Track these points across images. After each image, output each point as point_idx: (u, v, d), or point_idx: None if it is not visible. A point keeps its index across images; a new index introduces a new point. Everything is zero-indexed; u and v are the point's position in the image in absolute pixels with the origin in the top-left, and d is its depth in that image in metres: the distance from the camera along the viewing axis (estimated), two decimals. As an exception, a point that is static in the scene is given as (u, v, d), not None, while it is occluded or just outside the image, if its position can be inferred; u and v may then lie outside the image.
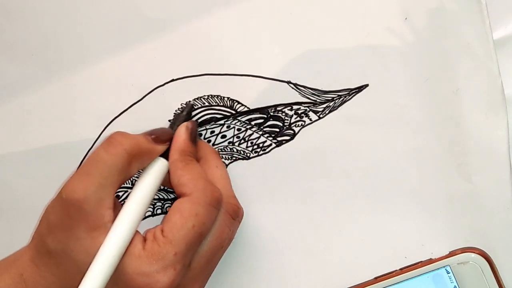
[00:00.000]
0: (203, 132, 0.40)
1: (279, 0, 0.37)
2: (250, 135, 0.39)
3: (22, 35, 0.41)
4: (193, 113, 0.39)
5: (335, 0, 0.37)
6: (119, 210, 0.32)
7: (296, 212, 0.39)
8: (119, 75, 0.40)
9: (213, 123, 0.39)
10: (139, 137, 0.34)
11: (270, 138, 0.39)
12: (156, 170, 0.34)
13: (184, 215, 0.32)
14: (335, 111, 0.38)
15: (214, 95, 0.39)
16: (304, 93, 0.38)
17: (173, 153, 0.35)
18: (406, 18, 0.36)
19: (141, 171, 0.34)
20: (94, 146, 0.41)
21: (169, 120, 0.39)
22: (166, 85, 0.39)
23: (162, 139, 0.35)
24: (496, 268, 0.36)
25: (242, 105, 0.39)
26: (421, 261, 0.37)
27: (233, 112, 0.39)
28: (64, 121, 0.41)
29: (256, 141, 0.39)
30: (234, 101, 0.39)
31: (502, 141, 0.36)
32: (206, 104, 0.39)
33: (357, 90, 0.37)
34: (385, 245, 0.38)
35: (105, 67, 0.40)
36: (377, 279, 0.38)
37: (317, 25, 0.37)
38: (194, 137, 0.37)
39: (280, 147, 0.39)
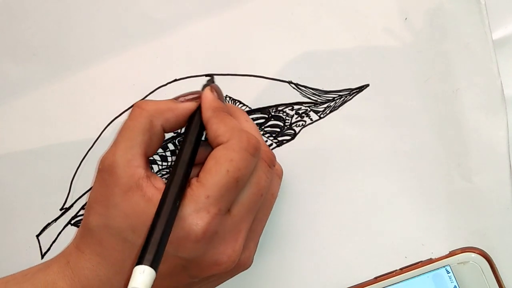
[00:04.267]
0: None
1: (280, 0, 0.38)
2: (251, 135, 0.39)
3: (24, 35, 0.41)
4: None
5: (335, 1, 0.37)
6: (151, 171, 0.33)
7: (296, 211, 0.39)
8: (121, 75, 0.40)
9: (214, 122, 0.39)
10: (158, 101, 0.35)
11: (271, 138, 0.39)
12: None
13: (218, 161, 0.32)
14: (335, 111, 0.38)
15: (215, 95, 0.39)
16: (305, 93, 0.38)
17: (206, 111, 0.35)
18: (406, 18, 0.36)
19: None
20: (93, 146, 0.41)
21: None
22: (169, 85, 0.40)
23: (183, 97, 0.36)
24: (496, 268, 0.36)
25: (244, 105, 0.39)
26: (421, 261, 0.37)
27: (234, 112, 0.39)
28: (65, 121, 0.41)
29: (257, 141, 0.39)
30: (236, 101, 0.39)
31: (502, 141, 0.36)
32: (207, 104, 0.39)
33: (357, 90, 0.38)
34: (385, 245, 0.38)
35: (107, 67, 0.40)
36: (377, 279, 0.38)
37: (318, 25, 0.37)
38: (222, 96, 0.37)
39: (280, 147, 0.39)
